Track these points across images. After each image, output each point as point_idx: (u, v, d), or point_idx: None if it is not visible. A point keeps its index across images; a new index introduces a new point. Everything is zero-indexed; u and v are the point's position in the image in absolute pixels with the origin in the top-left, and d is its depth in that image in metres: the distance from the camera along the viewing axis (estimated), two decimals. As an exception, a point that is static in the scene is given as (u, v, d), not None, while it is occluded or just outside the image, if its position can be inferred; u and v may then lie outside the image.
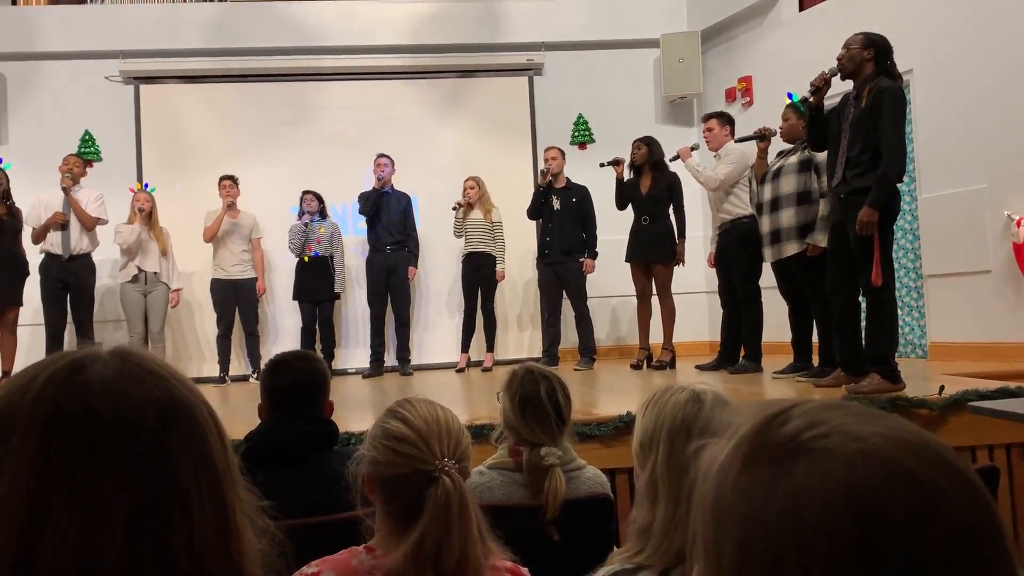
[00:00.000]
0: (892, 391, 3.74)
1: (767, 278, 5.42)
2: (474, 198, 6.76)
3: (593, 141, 7.82)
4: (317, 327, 6.81)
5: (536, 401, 1.99)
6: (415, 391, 5.61)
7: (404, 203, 6.94)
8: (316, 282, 6.77)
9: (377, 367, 6.84)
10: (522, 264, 7.58)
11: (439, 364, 7.33)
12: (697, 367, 5.67)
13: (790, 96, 5.17)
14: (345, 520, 1.62)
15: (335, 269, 6.88)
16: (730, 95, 7.59)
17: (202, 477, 0.66)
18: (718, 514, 0.53)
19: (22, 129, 7.40)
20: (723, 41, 7.74)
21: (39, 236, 6.14)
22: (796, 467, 0.51)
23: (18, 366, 6.18)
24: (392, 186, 6.91)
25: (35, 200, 6.21)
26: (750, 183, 5.37)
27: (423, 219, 7.20)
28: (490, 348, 6.88)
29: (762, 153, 5.20)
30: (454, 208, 6.80)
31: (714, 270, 5.87)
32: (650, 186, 6.02)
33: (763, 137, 5.22)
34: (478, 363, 6.95)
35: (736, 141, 5.59)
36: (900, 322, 4.63)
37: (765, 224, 4.98)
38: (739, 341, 5.58)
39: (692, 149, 5.83)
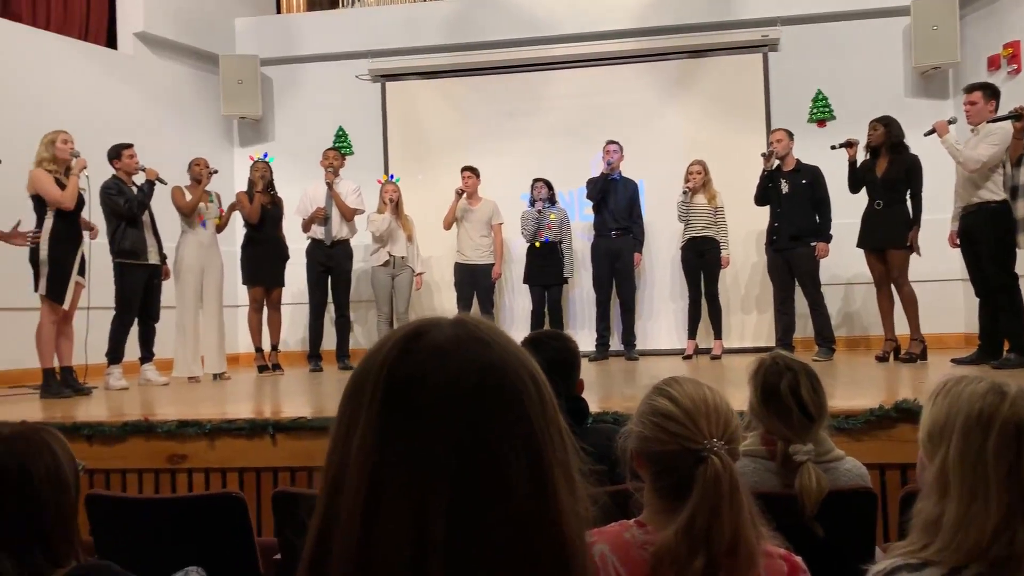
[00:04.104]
0: None
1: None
2: (699, 183, 6.62)
3: (834, 118, 7.38)
4: (546, 310, 7.00)
5: (776, 395, 1.89)
6: (641, 375, 5.62)
7: (631, 189, 6.95)
8: (546, 267, 6.97)
9: (603, 351, 6.92)
10: (748, 248, 7.33)
11: (663, 350, 7.28)
12: (953, 361, 5.21)
13: None
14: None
15: (563, 254, 7.04)
16: (993, 63, 6.85)
17: (520, 443, 0.65)
18: None
19: (286, 126, 8.25)
20: (985, 4, 7.00)
21: (306, 226, 6.80)
22: None
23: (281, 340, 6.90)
24: (620, 172, 6.93)
25: (303, 194, 6.92)
26: (1004, 166, 4.97)
27: (649, 205, 7.15)
28: (718, 335, 6.73)
29: (1019, 134, 4.79)
30: (685, 191, 6.68)
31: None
32: (886, 169, 5.66)
33: (1019, 117, 4.80)
34: (705, 350, 6.82)
35: (989, 122, 5.10)
36: None
37: (1020, 209, 4.65)
38: (1000, 333, 5.08)
39: (950, 123, 5.36)
